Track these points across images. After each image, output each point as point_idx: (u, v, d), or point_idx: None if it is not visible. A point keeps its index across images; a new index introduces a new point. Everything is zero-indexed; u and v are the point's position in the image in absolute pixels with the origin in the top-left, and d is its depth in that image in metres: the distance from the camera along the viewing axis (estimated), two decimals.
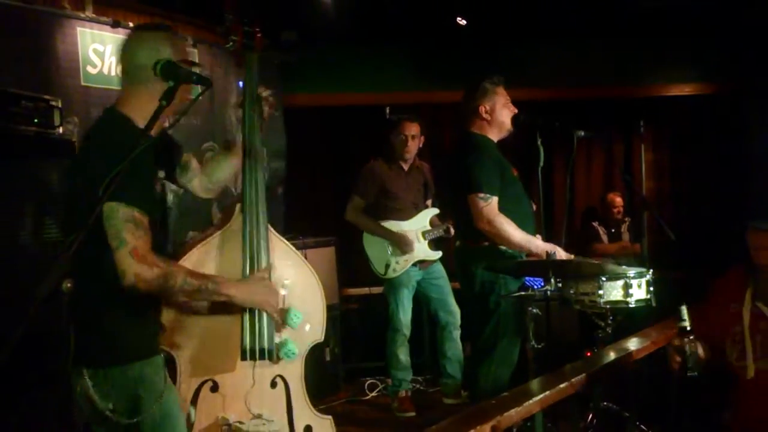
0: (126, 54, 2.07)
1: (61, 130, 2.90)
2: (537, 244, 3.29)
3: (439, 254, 4.67)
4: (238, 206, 2.33)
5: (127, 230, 1.83)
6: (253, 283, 2.20)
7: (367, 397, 4.91)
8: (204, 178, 2.46)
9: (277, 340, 2.33)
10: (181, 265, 2.03)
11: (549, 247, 3.26)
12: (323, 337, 2.48)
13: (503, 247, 3.34)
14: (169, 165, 2.32)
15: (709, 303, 2.60)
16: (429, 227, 4.69)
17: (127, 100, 2.06)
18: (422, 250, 4.61)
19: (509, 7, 5.33)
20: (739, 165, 6.07)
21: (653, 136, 6.27)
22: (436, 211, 4.79)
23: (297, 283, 2.41)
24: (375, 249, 4.64)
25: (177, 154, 2.36)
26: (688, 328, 2.35)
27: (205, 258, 2.25)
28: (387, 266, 4.58)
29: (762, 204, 5.42)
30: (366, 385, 5.02)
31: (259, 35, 2.40)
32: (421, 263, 4.61)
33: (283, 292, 2.35)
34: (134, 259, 1.83)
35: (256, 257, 2.28)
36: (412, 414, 4.54)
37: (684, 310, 2.36)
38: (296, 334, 2.37)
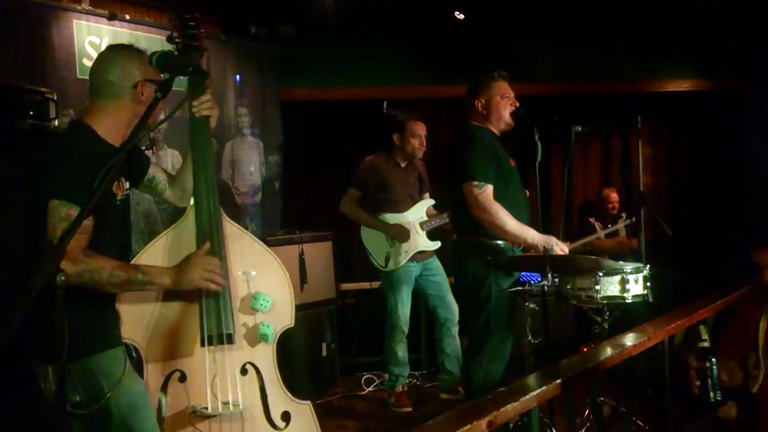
0: (97, 70, 2.17)
1: (56, 122, 2.89)
2: (532, 234, 3.29)
3: (437, 244, 4.68)
4: (191, 200, 2.35)
5: (61, 228, 1.88)
6: (185, 265, 2.18)
7: (364, 392, 4.91)
8: (174, 188, 2.49)
9: (251, 323, 2.35)
10: (109, 259, 2.03)
11: (544, 238, 3.26)
12: (293, 323, 2.48)
13: (499, 242, 3.34)
14: (136, 175, 2.35)
15: (736, 322, 2.58)
16: (426, 218, 4.70)
17: (93, 113, 2.13)
18: (421, 240, 4.62)
19: (508, 2, 5.32)
20: (736, 161, 6.08)
21: (651, 132, 6.26)
22: (431, 201, 4.79)
23: (263, 273, 2.42)
24: (374, 242, 4.64)
25: (143, 166, 2.39)
26: (708, 348, 2.29)
27: (154, 254, 2.28)
28: (387, 258, 4.58)
29: (759, 200, 5.43)
30: (363, 379, 5.02)
31: (201, 33, 2.37)
32: (420, 254, 4.61)
33: (245, 278, 2.37)
34: None
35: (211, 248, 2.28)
36: (409, 409, 4.54)
37: (703, 330, 2.30)
38: (269, 317, 2.39)
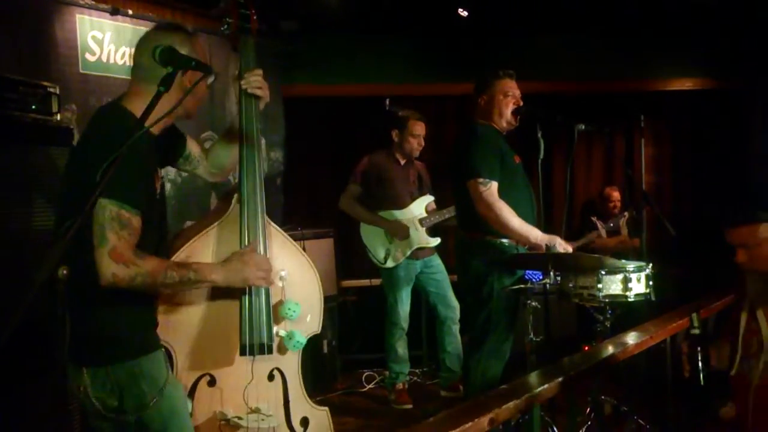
0: (135, 51, 2.06)
1: (59, 117, 2.88)
2: (535, 234, 3.28)
3: (437, 241, 4.67)
4: (235, 196, 2.28)
5: (111, 229, 1.81)
6: (234, 261, 2.13)
7: (364, 389, 4.92)
8: (207, 164, 2.42)
9: (282, 332, 2.31)
10: (159, 260, 1.97)
11: (547, 238, 3.25)
12: (320, 329, 2.46)
13: (504, 240, 3.33)
14: (173, 154, 2.29)
15: (735, 304, 2.58)
16: (425, 214, 4.69)
17: (131, 96, 2.03)
18: (420, 237, 4.61)
19: (512, 0, 5.30)
20: (739, 160, 6.07)
21: (654, 131, 6.26)
22: (431, 198, 4.79)
23: (295, 275, 2.37)
24: (373, 238, 4.64)
25: (180, 145, 2.31)
26: (698, 335, 2.32)
27: (202, 249, 2.22)
28: (386, 255, 4.58)
29: (763, 199, 5.41)
30: (363, 376, 5.03)
31: (254, 17, 2.34)
32: (420, 251, 4.61)
33: (280, 283, 2.32)
34: (111, 259, 1.80)
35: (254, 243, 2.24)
36: (409, 406, 4.54)
37: (695, 317, 2.34)
38: (298, 325, 2.35)
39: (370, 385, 4.95)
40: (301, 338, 2.32)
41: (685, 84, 6.24)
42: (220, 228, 2.25)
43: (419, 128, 4.63)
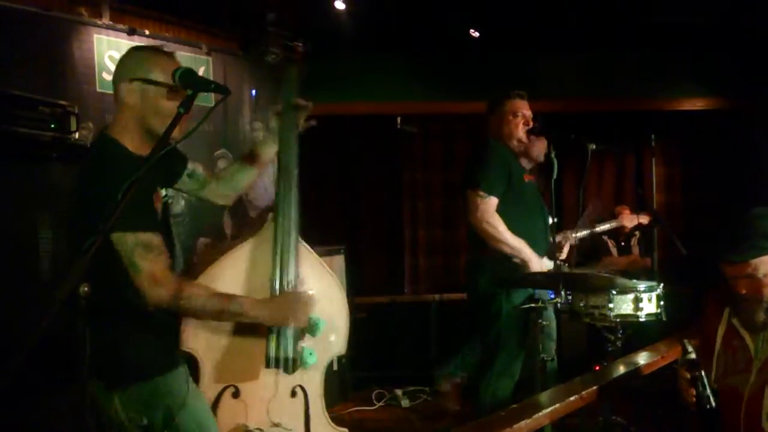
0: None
1: (77, 135, 2.93)
2: (528, 253, 3.29)
3: None
4: (270, 214, 2.32)
5: (137, 256, 1.86)
6: (279, 302, 2.17)
7: (375, 407, 4.91)
8: (220, 184, 2.45)
9: (298, 348, 2.32)
10: (203, 286, 2.01)
11: (538, 261, 3.26)
12: (345, 350, 2.45)
13: (516, 259, 3.34)
14: (174, 174, 2.32)
15: (705, 314, 2.58)
16: None
17: (114, 122, 2.11)
18: None
19: (523, 20, 5.35)
20: (749, 179, 6.05)
21: (664, 150, 6.26)
22: None
23: (323, 295, 2.37)
24: None
25: (180, 164, 2.35)
26: (693, 360, 2.31)
27: (234, 264, 2.25)
28: None
29: None
30: (374, 394, 5.02)
31: (300, 48, 2.39)
32: None
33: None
34: (151, 283, 1.87)
35: (285, 268, 2.26)
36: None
37: (687, 343, 2.33)
38: (319, 343, 2.35)
39: (381, 403, 4.94)
40: (311, 358, 2.31)
41: (696, 104, 6.25)
42: (253, 245, 2.28)
43: None
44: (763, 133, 6.05)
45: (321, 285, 2.40)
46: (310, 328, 2.30)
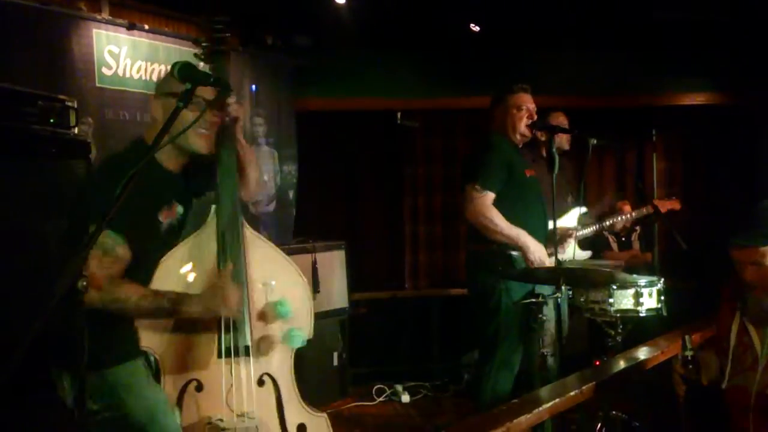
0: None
1: (76, 130, 2.92)
2: (524, 238, 3.29)
3: None
4: (212, 207, 2.31)
5: (92, 255, 1.86)
6: (208, 294, 2.17)
7: (374, 402, 4.91)
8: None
9: (280, 333, 2.33)
10: (136, 287, 2.04)
11: (537, 247, 3.27)
12: (311, 335, 2.44)
13: (513, 253, 3.34)
14: (192, 192, 2.36)
15: (720, 309, 2.58)
16: None
17: (146, 137, 2.16)
18: None
19: (524, 16, 5.33)
20: (750, 174, 6.04)
21: (665, 145, 6.25)
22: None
23: (281, 280, 2.38)
24: None
25: (204, 185, 2.38)
26: (690, 358, 2.33)
27: (176, 262, 2.25)
28: None
29: None
30: (374, 389, 5.02)
31: (227, 37, 2.32)
32: None
33: (266, 289, 2.34)
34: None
35: (234, 259, 2.25)
36: None
37: (688, 339, 2.35)
38: (294, 323, 2.36)
39: (380, 399, 4.94)
40: (299, 333, 2.33)
41: (696, 99, 6.23)
42: (196, 241, 2.29)
43: None
44: (763, 128, 6.03)
45: (278, 271, 2.39)
46: (278, 311, 2.31)
